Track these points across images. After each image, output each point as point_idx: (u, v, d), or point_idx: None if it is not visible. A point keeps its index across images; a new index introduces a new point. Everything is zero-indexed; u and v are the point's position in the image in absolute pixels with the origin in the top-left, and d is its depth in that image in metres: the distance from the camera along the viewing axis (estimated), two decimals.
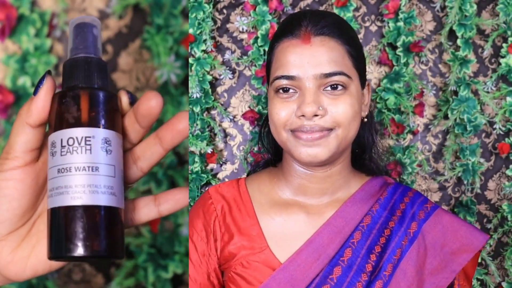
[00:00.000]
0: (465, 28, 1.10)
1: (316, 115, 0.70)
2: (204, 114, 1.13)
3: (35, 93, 0.56)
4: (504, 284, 1.13)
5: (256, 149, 1.12)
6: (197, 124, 1.12)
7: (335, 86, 0.71)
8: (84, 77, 0.58)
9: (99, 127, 0.56)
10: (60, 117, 0.56)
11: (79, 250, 0.53)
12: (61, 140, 0.55)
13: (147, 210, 0.61)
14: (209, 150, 1.12)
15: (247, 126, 1.14)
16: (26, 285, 1.12)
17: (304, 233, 0.77)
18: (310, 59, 0.71)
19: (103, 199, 0.55)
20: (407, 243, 0.76)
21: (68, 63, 0.59)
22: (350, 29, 0.77)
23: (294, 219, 0.78)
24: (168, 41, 1.12)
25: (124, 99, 0.60)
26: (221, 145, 1.15)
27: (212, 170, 1.14)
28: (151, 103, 0.56)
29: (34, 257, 0.59)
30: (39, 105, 0.55)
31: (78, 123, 0.56)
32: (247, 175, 0.91)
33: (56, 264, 0.59)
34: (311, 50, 0.71)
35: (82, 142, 0.55)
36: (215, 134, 1.14)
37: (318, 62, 0.71)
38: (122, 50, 1.15)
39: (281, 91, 0.73)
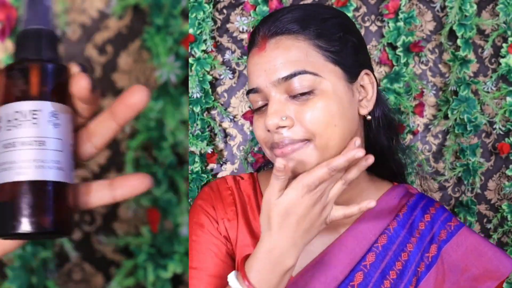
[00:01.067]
0: (465, 28, 1.10)
1: (281, 127, 0.63)
2: (204, 114, 1.13)
3: None
4: (504, 284, 1.13)
5: (256, 149, 1.12)
6: (197, 124, 1.12)
7: (300, 87, 0.63)
8: (33, 50, 0.56)
9: (47, 100, 0.54)
10: (7, 91, 0.54)
11: (25, 227, 0.51)
12: (7, 114, 0.53)
13: (101, 194, 0.58)
14: (209, 150, 1.12)
15: (247, 126, 1.14)
16: (26, 284, 1.13)
17: (316, 249, 0.70)
18: (266, 65, 0.64)
19: (50, 174, 0.53)
20: (424, 270, 0.69)
21: (19, 36, 0.57)
22: (325, 18, 0.66)
23: None
24: (167, 42, 1.12)
25: (75, 69, 0.58)
26: (221, 145, 1.15)
27: (212, 170, 1.14)
28: (135, 98, 0.55)
29: None
30: None
31: (25, 97, 0.54)
32: (257, 171, 0.84)
33: (10, 248, 0.57)
34: (266, 56, 0.64)
35: (28, 116, 0.53)
36: (215, 134, 1.14)
37: (273, 67, 0.63)
38: (122, 51, 1.15)
39: (254, 107, 0.68)
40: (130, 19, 1.15)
